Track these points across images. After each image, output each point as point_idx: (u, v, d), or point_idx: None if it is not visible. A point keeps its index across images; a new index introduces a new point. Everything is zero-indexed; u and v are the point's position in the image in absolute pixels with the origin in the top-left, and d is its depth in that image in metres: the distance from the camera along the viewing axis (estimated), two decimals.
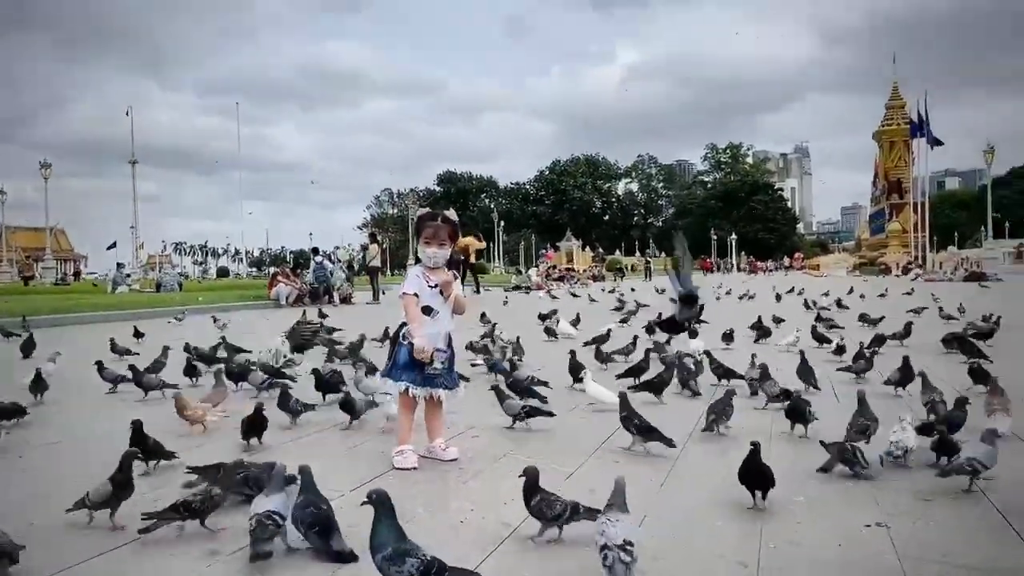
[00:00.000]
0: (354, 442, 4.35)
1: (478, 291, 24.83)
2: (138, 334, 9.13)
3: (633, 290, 23.20)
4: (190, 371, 6.20)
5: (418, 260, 4.17)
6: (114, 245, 52.56)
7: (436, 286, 3.97)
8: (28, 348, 7.78)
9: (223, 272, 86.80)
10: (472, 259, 27.98)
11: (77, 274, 60.11)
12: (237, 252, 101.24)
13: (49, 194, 45.18)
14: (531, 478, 2.76)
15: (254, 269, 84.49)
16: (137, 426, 3.52)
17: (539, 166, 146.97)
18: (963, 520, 2.95)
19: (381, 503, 2.28)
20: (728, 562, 2.55)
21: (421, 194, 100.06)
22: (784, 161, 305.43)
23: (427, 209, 4.22)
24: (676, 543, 2.70)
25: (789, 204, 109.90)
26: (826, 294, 17.07)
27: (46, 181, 44.55)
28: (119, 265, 32.46)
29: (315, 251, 23.20)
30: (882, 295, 18.33)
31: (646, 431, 3.92)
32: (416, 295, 3.97)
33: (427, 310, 3.95)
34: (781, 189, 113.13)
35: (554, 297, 20.67)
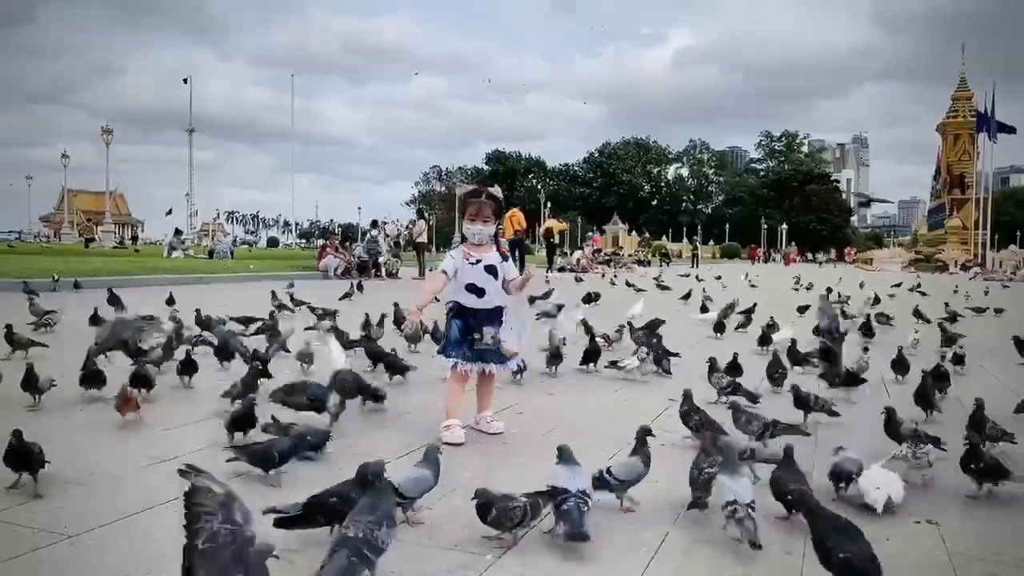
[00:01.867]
0: (400, 411, 4.45)
1: (550, 270, 24.77)
2: (171, 300, 8.84)
3: (686, 276, 22.99)
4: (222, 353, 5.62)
5: (464, 239, 4.21)
6: (171, 211, 53.93)
7: (479, 262, 4.01)
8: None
9: (273, 242, 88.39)
10: (556, 240, 28.20)
11: (135, 238, 61.86)
12: (287, 223, 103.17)
13: (109, 159, 46.38)
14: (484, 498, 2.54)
15: (303, 240, 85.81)
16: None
17: (585, 148, 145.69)
18: (1014, 519, 2.92)
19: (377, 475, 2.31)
20: (775, 550, 2.55)
21: (469, 172, 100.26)
22: (841, 151, 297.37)
23: (472, 186, 4.24)
24: (718, 532, 2.69)
25: (844, 195, 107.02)
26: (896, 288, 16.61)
27: (107, 146, 45.75)
28: (177, 231, 33.31)
29: (374, 223, 23.47)
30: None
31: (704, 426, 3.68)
32: (444, 272, 4.06)
33: (473, 289, 3.99)
34: (837, 180, 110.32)
35: (579, 280, 20.15)
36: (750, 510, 2.45)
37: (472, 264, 4.01)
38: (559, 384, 5.53)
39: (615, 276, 23.44)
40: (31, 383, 4.25)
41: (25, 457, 2.90)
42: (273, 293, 9.96)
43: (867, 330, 8.16)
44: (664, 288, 16.52)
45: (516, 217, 23.22)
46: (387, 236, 23.60)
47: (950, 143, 57.42)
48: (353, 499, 2.27)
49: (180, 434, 3.85)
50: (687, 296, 13.53)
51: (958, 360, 6.19)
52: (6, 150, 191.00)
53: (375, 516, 2.08)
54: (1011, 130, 44.21)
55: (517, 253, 22.75)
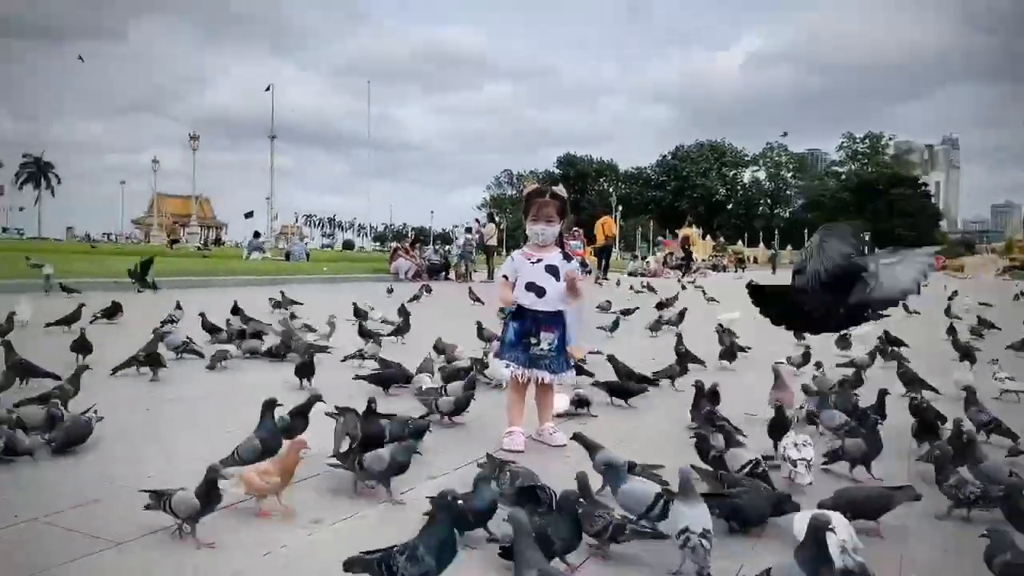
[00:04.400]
0: (468, 418, 4.33)
1: (684, 274, 25.24)
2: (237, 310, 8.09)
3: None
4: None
5: (527, 239, 4.05)
6: (251, 214, 55.73)
7: (540, 261, 3.85)
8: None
9: (348, 245, 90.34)
10: (692, 249, 29.82)
11: (218, 240, 64.18)
12: (361, 227, 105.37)
13: (196, 165, 48.34)
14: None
15: (377, 243, 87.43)
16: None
17: (656, 151, 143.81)
18: None
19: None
20: None
21: (540, 176, 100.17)
22: (929, 153, 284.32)
23: (535, 185, 4.07)
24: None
25: (933, 199, 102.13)
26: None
27: (194, 152, 47.79)
28: (256, 234, 34.30)
29: (468, 229, 22.85)
30: None
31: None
32: (505, 277, 3.94)
33: (533, 288, 3.84)
34: (925, 184, 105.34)
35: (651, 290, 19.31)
36: (703, 540, 2.27)
37: (533, 264, 3.87)
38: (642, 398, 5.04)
39: (689, 281, 22.73)
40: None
41: None
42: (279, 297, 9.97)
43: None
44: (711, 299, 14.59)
45: (607, 224, 23.54)
46: (455, 239, 23.63)
47: None
48: None
49: None
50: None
51: None
52: (102, 156, 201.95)
53: None
54: None
55: (604, 261, 22.87)
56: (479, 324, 7.07)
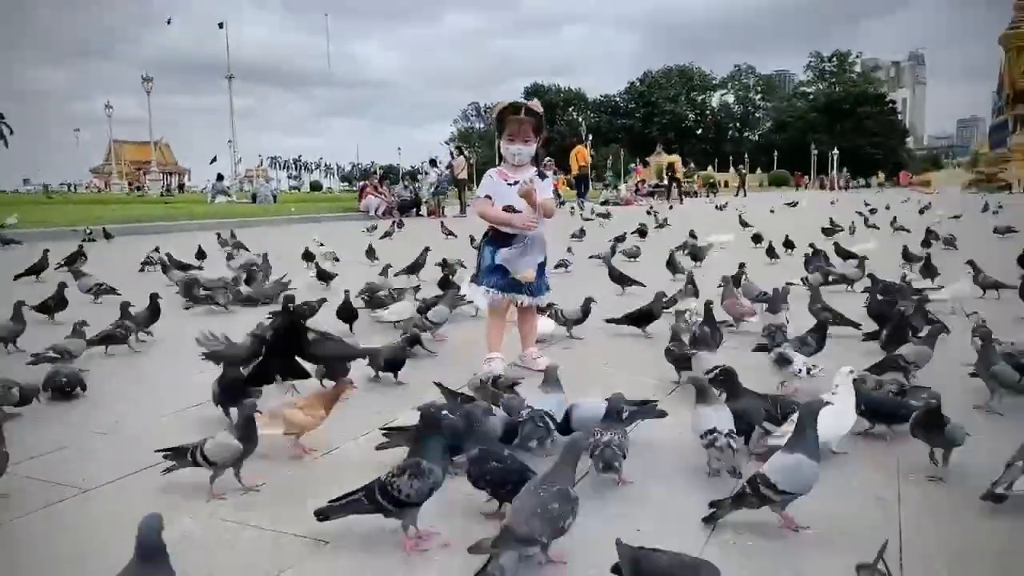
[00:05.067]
0: (447, 348, 4.24)
1: (680, 201, 25.80)
2: (201, 254, 8.47)
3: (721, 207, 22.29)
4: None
5: (502, 159, 3.87)
6: (215, 159, 54.36)
7: (516, 183, 3.68)
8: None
9: (316, 186, 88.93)
10: (678, 175, 30.84)
11: (181, 186, 62.65)
12: (328, 167, 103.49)
13: (152, 110, 46.68)
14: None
15: (345, 183, 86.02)
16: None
17: (623, 79, 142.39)
18: None
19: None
20: (863, 494, 2.32)
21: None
22: (896, 70, 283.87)
23: (508, 102, 3.84)
24: None
25: (900, 116, 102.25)
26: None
27: (148, 95, 46.06)
28: (219, 176, 33.49)
29: (432, 163, 23.00)
30: None
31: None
32: (488, 197, 3.74)
33: (510, 211, 3.69)
34: (892, 101, 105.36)
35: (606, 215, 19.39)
36: (730, 440, 2.34)
37: (510, 185, 3.71)
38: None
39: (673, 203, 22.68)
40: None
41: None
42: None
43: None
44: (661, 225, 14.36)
45: (581, 153, 24.42)
46: (424, 174, 23.24)
47: (1014, 56, 53.99)
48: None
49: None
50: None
51: None
52: (55, 104, 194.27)
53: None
54: None
55: (582, 188, 23.53)
56: (444, 261, 6.94)
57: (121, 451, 2.71)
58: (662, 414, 2.78)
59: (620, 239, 9.94)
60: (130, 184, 54.28)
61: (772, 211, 19.63)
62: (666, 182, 32.62)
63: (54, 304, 5.12)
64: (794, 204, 23.99)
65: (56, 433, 2.89)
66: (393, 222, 14.19)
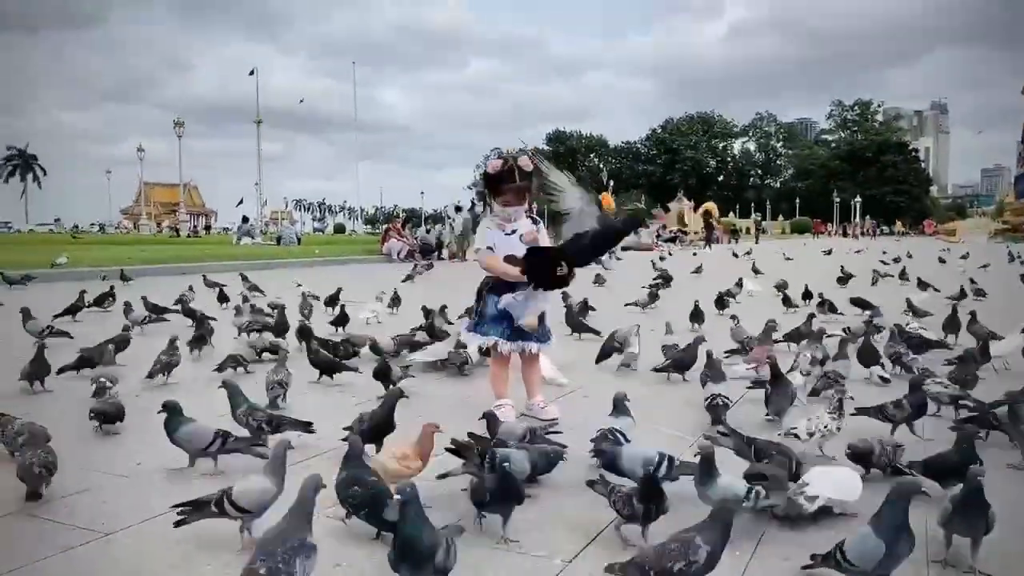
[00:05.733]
0: (465, 394, 4.23)
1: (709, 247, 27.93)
2: (223, 297, 8.42)
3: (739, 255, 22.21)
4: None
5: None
6: (242, 201, 55.28)
7: (513, 232, 3.74)
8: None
9: (339, 229, 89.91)
10: (714, 221, 32.58)
11: (208, 228, 63.70)
12: (352, 210, 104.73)
13: (182, 152, 47.83)
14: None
15: (369, 226, 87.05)
16: None
17: (644, 125, 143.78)
18: None
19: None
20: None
21: (530, 153, 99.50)
22: (918, 118, 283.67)
23: (499, 162, 3.81)
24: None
25: (923, 165, 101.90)
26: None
27: (179, 139, 47.22)
28: (244, 219, 34.05)
29: (458, 208, 22.87)
30: None
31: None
32: (491, 248, 3.77)
33: (513, 260, 3.71)
34: (915, 149, 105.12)
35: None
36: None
37: (508, 235, 3.76)
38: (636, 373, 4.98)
39: (668, 254, 22.45)
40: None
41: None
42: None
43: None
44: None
45: (605, 199, 24.71)
46: (448, 218, 23.45)
47: None
48: None
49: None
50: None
51: None
52: (87, 146, 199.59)
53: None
54: None
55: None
56: (424, 308, 6.57)
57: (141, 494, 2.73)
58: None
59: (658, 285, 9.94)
60: (159, 224, 55.31)
61: (788, 258, 19.59)
62: (691, 229, 33.77)
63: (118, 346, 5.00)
64: (829, 252, 23.76)
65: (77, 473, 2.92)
66: (415, 265, 14.31)
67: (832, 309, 7.56)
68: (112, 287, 8.52)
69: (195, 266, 15.00)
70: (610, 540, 2.34)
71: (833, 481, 2.48)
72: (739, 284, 9.39)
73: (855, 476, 2.54)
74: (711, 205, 39.73)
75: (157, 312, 6.78)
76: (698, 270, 14.09)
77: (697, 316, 6.85)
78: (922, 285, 9.58)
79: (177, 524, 2.26)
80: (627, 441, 2.88)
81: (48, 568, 2.17)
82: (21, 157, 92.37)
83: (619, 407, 3.15)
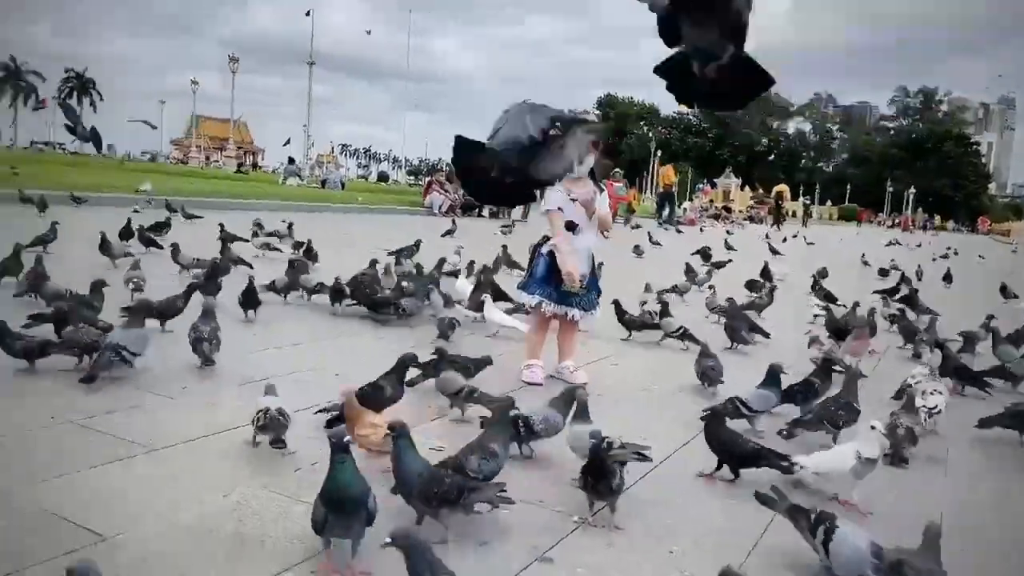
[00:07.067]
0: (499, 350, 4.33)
1: (777, 226, 28.60)
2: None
3: (784, 239, 21.87)
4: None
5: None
6: (288, 141, 55.64)
7: (575, 199, 3.79)
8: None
9: (383, 177, 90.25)
10: (785, 203, 33.23)
11: (255, 165, 64.40)
12: (396, 159, 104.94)
13: (235, 88, 48.14)
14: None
15: (411, 177, 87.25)
16: None
17: None
18: None
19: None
20: None
21: (580, 113, 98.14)
22: (984, 112, 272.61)
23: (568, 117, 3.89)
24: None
25: (984, 160, 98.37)
26: None
27: (233, 75, 47.42)
28: (290, 160, 34.37)
29: None
30: None
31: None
32: (560, 210, 3.81)
33: (571, 226, 3.78)
34: (977, 143, 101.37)
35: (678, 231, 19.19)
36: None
37: (573, 200, 3.80)
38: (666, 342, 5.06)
39: (703, 228, 22.16)
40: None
41: None
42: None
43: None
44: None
45: (668, 173, 26.76)
46: None
47: None
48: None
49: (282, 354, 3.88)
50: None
51: None
52: (142, 76, 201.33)
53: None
54: None
55: (665, 207, 25.19)
56: (504, 248, 7.60)
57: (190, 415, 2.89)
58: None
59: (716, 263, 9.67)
60: (207, 158, 56.06)
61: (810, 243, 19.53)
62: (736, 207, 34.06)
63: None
64: (890, 244, 22.95)
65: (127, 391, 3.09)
66: (453, 220, 14.37)
67: (829, 298, 7.17)
68: (168, 217, 8.84)
69: (241, 202, 15.26)
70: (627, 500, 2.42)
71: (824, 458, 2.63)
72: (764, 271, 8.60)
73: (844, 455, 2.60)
74: (784, 187, 41.14)
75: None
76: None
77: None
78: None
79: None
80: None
81: (95, 478, 2.33)
82: (78, 80, 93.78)
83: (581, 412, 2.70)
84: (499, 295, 5.32)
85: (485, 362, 3.50)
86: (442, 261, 6.47)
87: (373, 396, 2.77)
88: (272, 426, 2.55)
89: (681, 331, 4.90)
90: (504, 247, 7.87)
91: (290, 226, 9.04)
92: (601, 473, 2.25)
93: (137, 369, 3.34)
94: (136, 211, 10.39)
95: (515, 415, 2.68)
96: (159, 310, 4.13)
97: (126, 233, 7.31)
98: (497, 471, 2.31)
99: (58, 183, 13.13)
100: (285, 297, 5.39)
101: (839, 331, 5.23)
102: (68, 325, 3.49)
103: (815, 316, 6.16)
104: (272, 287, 5.29)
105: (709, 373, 3.80)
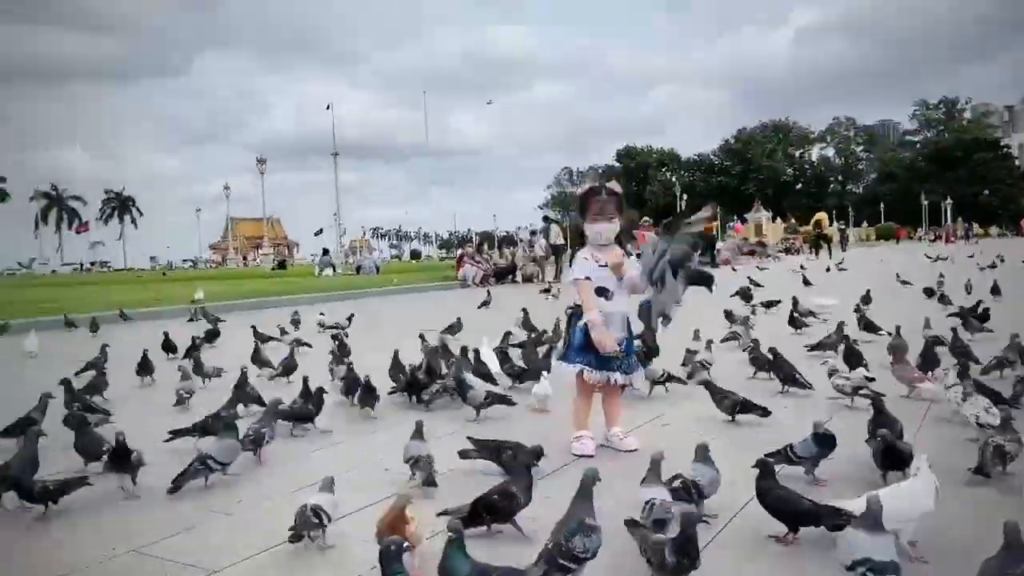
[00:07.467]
0: (536, 428, 4.28)
1: (815, 253, 27.77)
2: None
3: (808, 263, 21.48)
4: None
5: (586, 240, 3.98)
6: (321, 231, 57.22)
7: (606, 265, 3.78)
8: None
9: (415, 254, 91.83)
10: (826, 231, 33.54)
11: (282, 262, 66.05)
12: (427, 235, 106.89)
13: (264, 188, 49.84)
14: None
15: (443, 251, 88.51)
16: None
17: (716, 136, 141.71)
18: None
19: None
20: None
21: (600, 171, 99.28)
22: (1009, 114, 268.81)
23: (587, 185, 3.96)
24: None
25: (1017, 163, 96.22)
26: None
27: (262, 176, 49.18)
28: (324, 251, 35.19)
29: (533, 233, 23.39)
30: None
31: None
32: (588, 279, 3.81)
33: (601, 291, 3.78)
34: (1007, 146, 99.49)
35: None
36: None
37: (600, 267, 3.81)
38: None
39: (736, 267, 22.10)
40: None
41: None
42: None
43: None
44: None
45: (823, 219, 30.44)
46: (521, 240, 23.63)
47: None
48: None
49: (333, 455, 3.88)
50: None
51: None
52: (177, 187, 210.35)
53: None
54: None
55: (708, 252, 24.46)
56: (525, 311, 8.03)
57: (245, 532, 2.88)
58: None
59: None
60: (244, 258, 57.67)
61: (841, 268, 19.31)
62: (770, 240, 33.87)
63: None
64: (937, 259, 22.57)
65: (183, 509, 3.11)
66: (488, 291, 14.47)
67: (870, 328, 7.03)
68: (216, 324, 9.22)
69: (278, 300, 15.57)
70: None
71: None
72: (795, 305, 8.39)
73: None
74: (822, 215, 41.05)
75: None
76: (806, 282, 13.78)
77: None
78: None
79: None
80: (702, 497, 2.81)
81: None
82: (118, 200, 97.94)
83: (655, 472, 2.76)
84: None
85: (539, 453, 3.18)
86: (507, 335, 6.62)
87: (500, 504, 2.68)
88: (302, 524, 2.58)
89: (666, 376, 5.09)
90: (524, 310, 8.30)
91: (350, 317, 9.33)
92: (688, 549, 2.14)
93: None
94: (190, 320, 10.84)
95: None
96: (295, 414, 4.34)
97: (167, 347, 7.47)
98: (600, 544, 2.25)
99: (106, 303, 13.62)
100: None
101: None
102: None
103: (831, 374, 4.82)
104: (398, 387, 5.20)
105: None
